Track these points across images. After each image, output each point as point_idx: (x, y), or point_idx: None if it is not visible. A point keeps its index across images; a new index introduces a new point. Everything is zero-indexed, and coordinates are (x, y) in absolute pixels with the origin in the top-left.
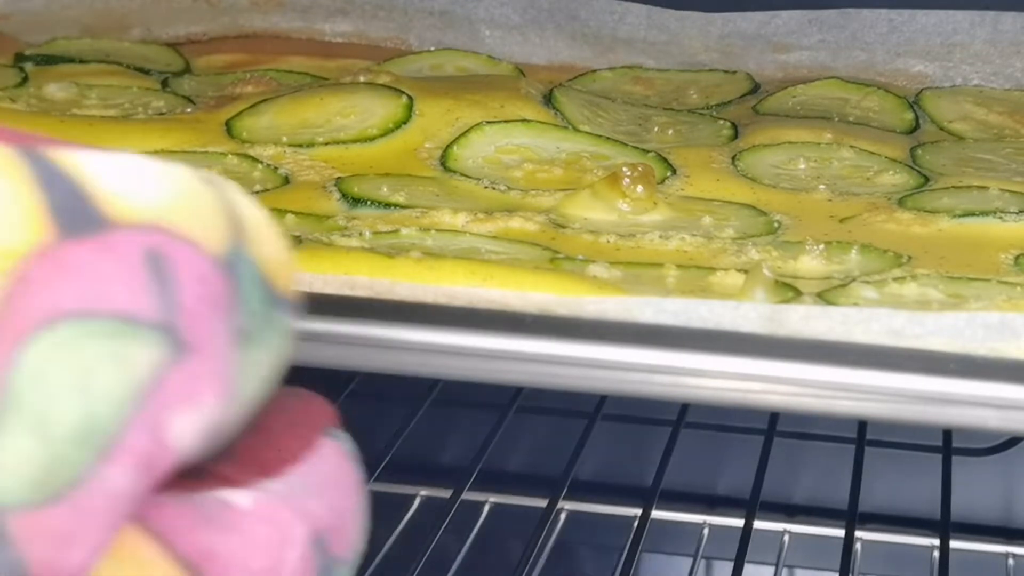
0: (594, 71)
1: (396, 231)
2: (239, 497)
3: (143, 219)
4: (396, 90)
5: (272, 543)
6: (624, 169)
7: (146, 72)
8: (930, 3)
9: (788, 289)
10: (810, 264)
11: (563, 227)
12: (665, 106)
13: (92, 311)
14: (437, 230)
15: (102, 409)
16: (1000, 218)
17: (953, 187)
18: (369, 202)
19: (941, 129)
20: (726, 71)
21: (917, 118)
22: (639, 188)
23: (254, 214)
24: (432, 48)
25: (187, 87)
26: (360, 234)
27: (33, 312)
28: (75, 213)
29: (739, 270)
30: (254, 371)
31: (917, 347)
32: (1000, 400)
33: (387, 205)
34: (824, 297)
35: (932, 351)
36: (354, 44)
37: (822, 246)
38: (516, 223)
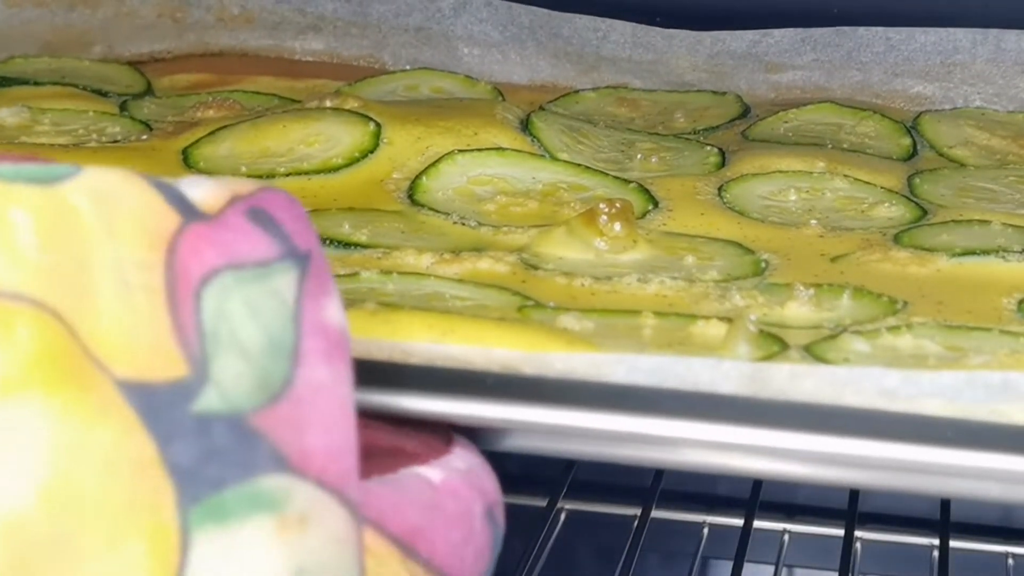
0: (577, 91)
1: (355, 274)
2: (431, 473)
3: (225, 203)
4: (364, 116)
5: (463, 516)
6: (601, 206)
7: (104, 94)
8: (929, 21)
9: (773, 341)
10: (798, 311)
11: (536, 268)
12: (650, 130)
13: (236, 265)
14: (399, 273)
15: (276, 331)
16: (1002, 257)
17: (953, 221)
18: (328, 241)
19: (940, 155)
20: (715, 92)
21: (915, 144)
22: (617, 226)
23: None
24: (407, 67)
25: (146, 111)
26: None
27: (194, 271)
28: (186, 206)
29: (721, 319)
30: None
31: (912, 410)
32: (1002, 473)
33: (347, 245)
34: (812, 351)
35: (928, 417)
36: (325, 63)
37: (812, 291)
38: (485, 264)
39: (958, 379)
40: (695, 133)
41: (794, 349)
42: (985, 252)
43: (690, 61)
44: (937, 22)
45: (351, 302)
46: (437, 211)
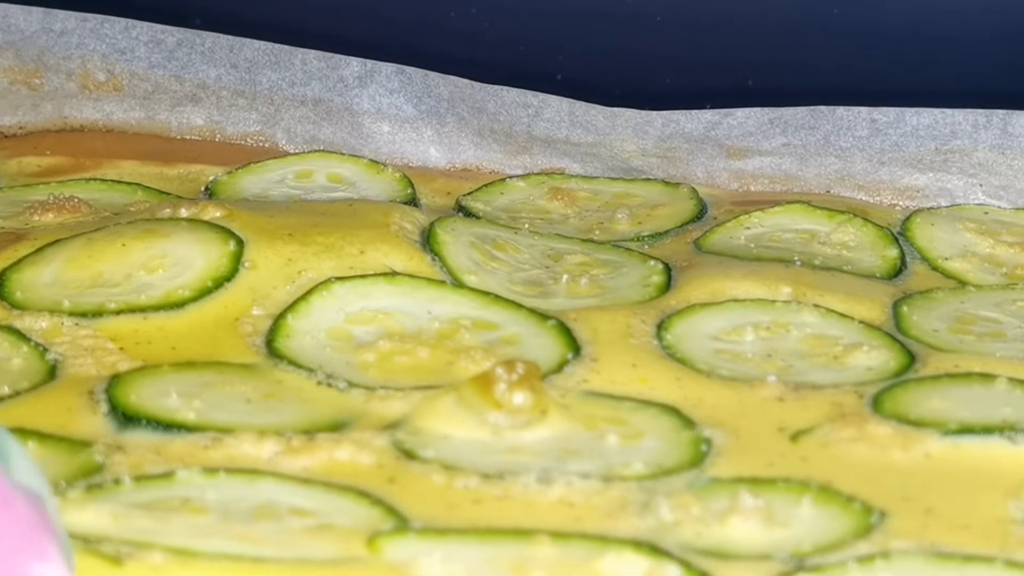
0: (503, 180)
1: (170, 475)
2: None
3: None
4: (224, 231)
5: None
6: (499, 371)
7: None
8: (922, 99)
9: None
10: (743, 530)
11: (412, 456)
12: (585, 234)
13: None
14: (228, 471)
15: None
16: (1008, 438)
17: (948, 375)
18: (146, 422)
19: (934, 268)
20: (666, 182)
21: (903, 256)
22: (518, 397)
23: None
24: (303, 148)
25: None
26: (116, 482)
27: None
28: None
29: (639, 546)
30: None
31: None
32: None
33: (168, 426)
34: None
35: None
36: (206, 142)
37: (761, 501)
38: (345, 453)
39: None
40: (639, 240)
41: None
42: (987, 430)
43: (637, 144)
44: (932, 101)
45: (134, 548)
46: (299, 366)
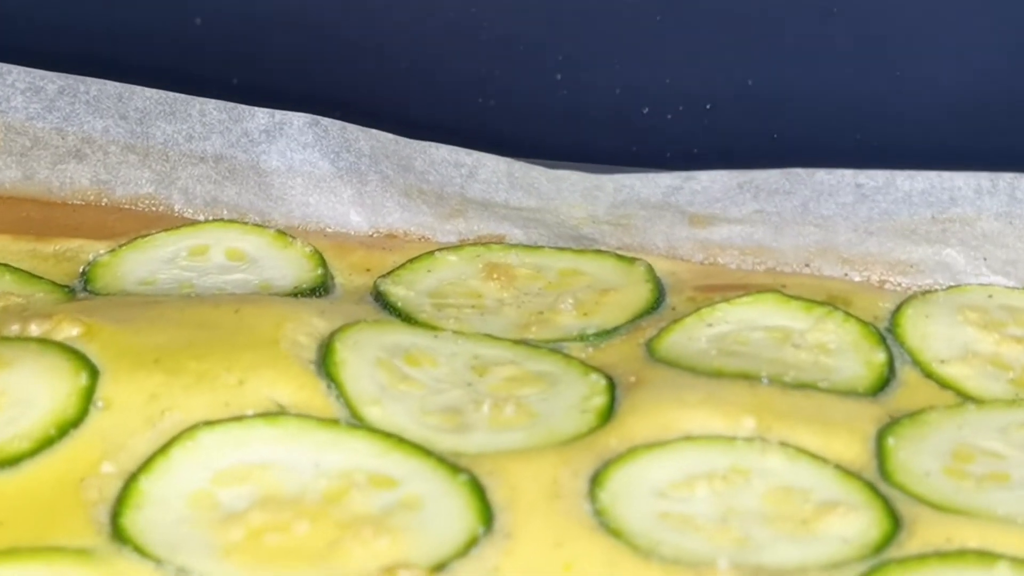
0: (432, 253)
1: None
2: None
3: None
4: (78, 356)
5: None
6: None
7: None
8: (917, 161)
9: None
10: None
11: None
12: (521, 330)
13: None
14: None
15: None
16: None
17: (937, 556)
18: None
19: (928, 375)
20: (620, 256)
21: (891, 361)
22: None
23: None
24: (202, 213)
25: None
26: None
27: None
28: None
29: None
30: None
31: None
32: None
33: None
34: None
35: None
36: (91, 207)
37: None
38: None
39: None
40: (583, 338)
41: None
42: None
43: (587, 211)
44: (928, 163)
45: None
46: (146, 555)
